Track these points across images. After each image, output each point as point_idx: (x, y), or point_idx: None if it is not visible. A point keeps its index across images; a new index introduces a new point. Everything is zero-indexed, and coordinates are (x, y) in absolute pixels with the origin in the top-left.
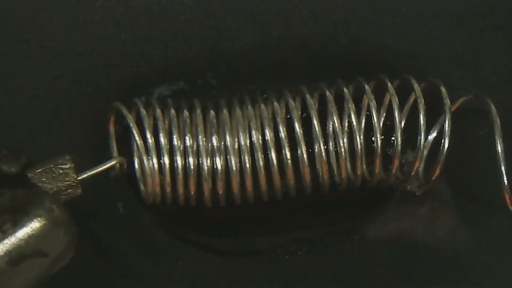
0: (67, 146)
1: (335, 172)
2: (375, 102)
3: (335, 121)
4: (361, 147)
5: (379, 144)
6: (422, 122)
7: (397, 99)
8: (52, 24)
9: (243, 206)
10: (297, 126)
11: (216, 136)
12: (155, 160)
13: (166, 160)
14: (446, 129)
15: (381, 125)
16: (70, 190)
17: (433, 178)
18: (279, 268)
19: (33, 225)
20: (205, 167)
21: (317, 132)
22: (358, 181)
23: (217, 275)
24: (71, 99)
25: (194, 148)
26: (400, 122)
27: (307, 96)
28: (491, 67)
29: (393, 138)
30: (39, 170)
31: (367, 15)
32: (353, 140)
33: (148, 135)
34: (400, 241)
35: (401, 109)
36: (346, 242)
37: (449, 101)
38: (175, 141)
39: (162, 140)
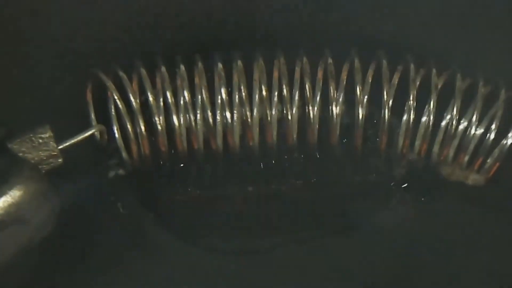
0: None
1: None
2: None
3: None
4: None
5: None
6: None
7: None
8: (52, 24)
9: (243, 205)
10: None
11: (223, 89)
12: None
13: (159, 118)
14: None
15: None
16: (51, 160)
17: (491, 174)
18: (279, 268)
19: (13, 193)
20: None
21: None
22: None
23: (217, 275)
24: (71, 98)
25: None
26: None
27: (356, 62)
28: (491, 67)
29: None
30: (19, 140)
31: (367, 15)
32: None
33: (131, 96)
34: (400, 240)
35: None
36: (346, 242)
37: None
38: (169, 98)
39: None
